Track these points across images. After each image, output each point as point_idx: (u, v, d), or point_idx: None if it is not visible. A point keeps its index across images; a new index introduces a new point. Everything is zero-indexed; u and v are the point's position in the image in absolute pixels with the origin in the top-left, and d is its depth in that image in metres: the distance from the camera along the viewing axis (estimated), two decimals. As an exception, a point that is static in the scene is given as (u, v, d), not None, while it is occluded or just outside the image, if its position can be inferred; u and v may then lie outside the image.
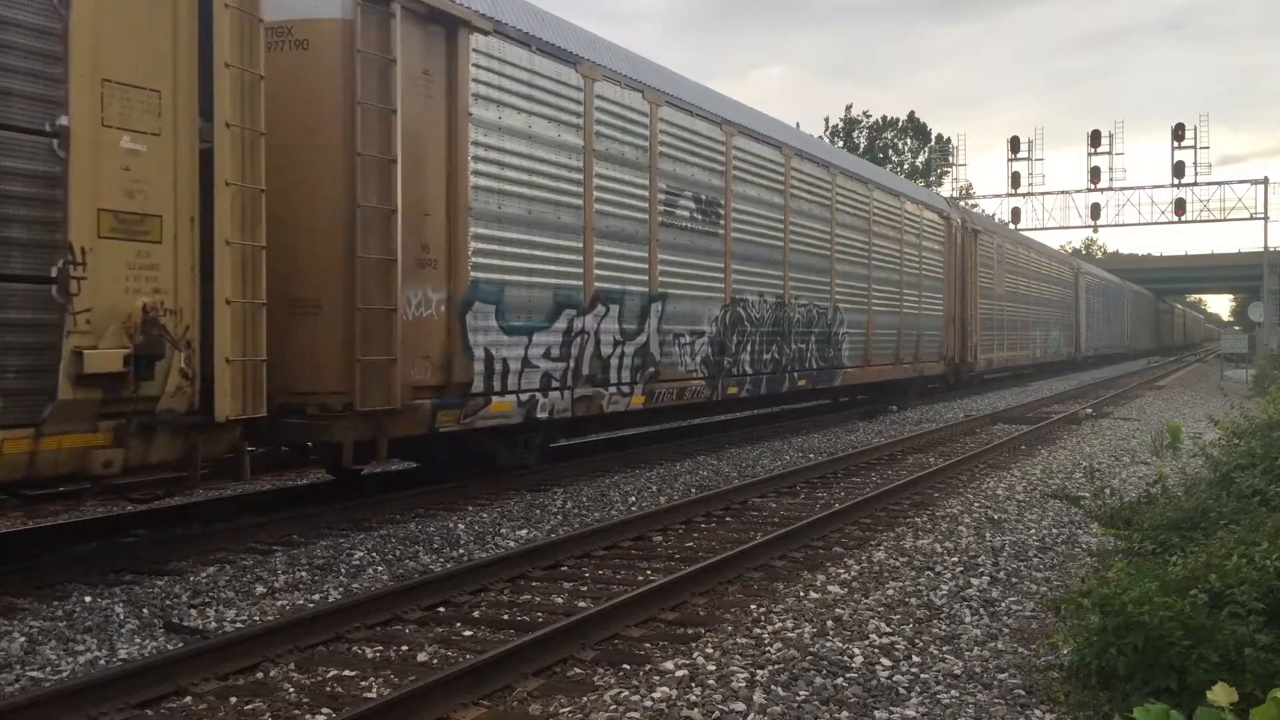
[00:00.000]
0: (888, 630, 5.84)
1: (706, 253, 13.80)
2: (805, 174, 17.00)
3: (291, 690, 5.08)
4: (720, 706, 4.67)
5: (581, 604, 6.58)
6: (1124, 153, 61.96)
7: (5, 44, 5.97)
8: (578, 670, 5.37)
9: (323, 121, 8.63)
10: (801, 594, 6.68)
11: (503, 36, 10.06)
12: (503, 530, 8.92)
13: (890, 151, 64.43)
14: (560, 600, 6.75)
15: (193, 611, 6.39)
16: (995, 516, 9.46)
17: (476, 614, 6.42)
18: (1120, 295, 57.47)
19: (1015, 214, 51.70)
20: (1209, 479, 8.31)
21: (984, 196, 58.69)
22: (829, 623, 5.97)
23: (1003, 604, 6.47)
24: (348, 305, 8.58)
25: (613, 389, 11.79)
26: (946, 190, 59.85)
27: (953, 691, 4.90)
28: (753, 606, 6.43)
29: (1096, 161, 50.70)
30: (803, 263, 16.71)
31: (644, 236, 12.43)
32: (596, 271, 11.49)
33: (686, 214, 13.33)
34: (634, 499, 10.57)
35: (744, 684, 4.93)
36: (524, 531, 8.87)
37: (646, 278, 12.45)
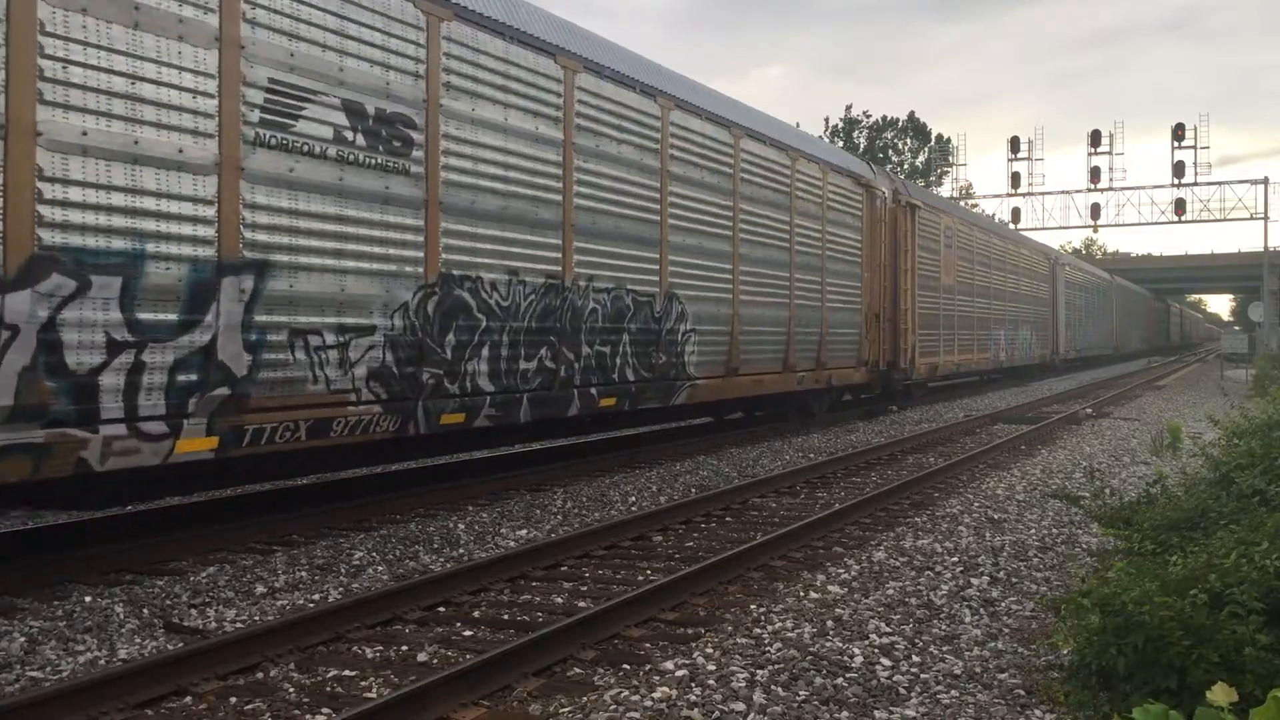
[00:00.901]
0: (888, 630, 5.84)
1: (372, 199, 8.43)
2: (607, 100, 11.53)
3: (291, 690, 5.08)
4: (720, 706, 4.67)
5: (581, 604, 6.58)
6: (1124, 153, 62.12)
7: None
8: (578, 670, 5.37)
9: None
10: (801, 594, 6.68)
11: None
12: (503, 530, 8.92)
13: (890, 151, 64.45)
14: (560, 600, 6.75)
15: (193, 611, 6.39)
16: (995, 516, 9.46)
17: (476, 614, 6.42)
18: (1107, 291, 52.34)
19: (1015, 214, 51.76)
20: (1209, 479, 8.30)
21: (984, 196, 58.82)
22: (829, 623, 5.97)
23: (1003, 604, 6.47)
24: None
25: (109, 428, 6.53)
26: (947, 190, 59.97)
27: (953, 691, 4.90)
28: (753, 606, 6.43)
29: (1096, 161, 50.81)
30: (603, 229, 11.40)
31: (208, 163, 7.17)
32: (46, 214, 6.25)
33: (335, 134, 8.12)
34: (634, 499, 10.57)
35: (744, 684, 4.93)
36: (524, 531, 8.87)
37: (213, 234, 7.19)
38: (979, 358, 27.40)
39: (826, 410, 18.86)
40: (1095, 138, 50.72)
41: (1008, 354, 30.59)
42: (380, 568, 7.56)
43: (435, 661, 5.51)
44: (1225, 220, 50.78)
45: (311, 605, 6.51)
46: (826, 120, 68.15)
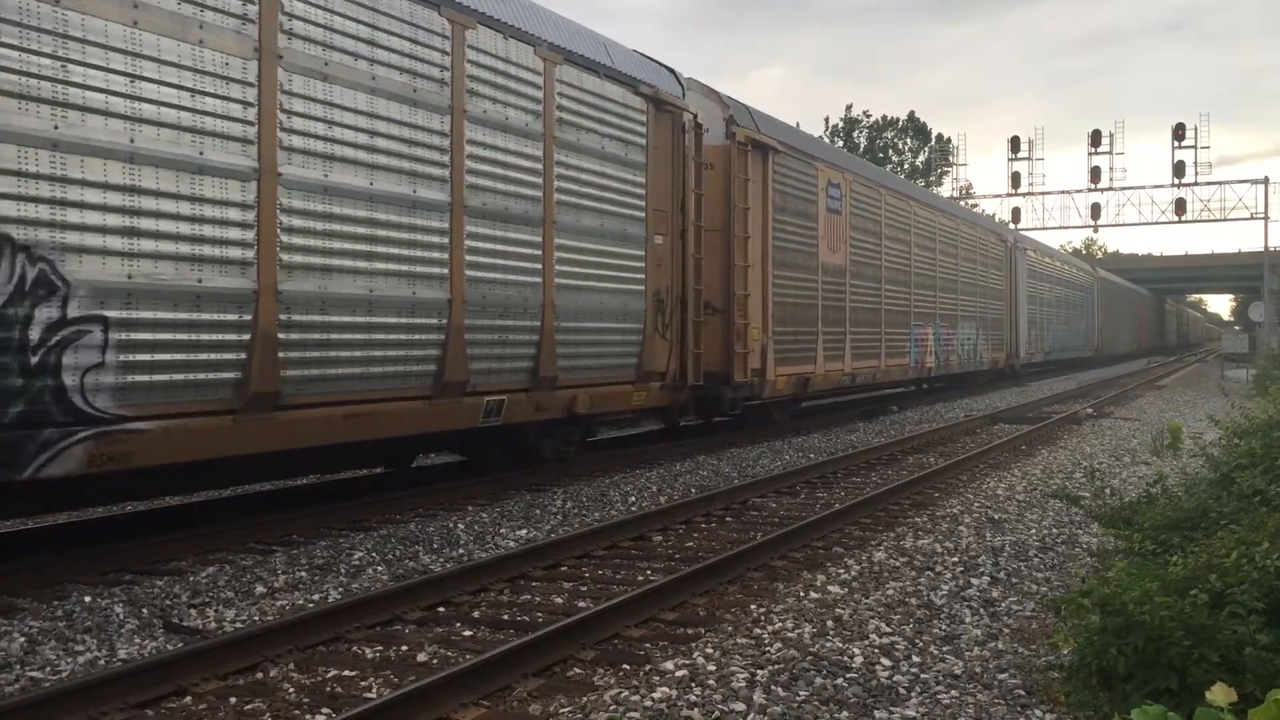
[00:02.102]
0: (888, 630, 5.83)
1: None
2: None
3: (291, 690, 5.07)
4: (720, 706, 4.67)
5: (581, 604, 6.57)
6: (1124, 153, 62.01)
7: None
8: (578, 670, 5.36)
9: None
10: (801, 594, 6.68)
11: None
12: (503, 530, 8.92)
13: (890, 151, 64.46)
14: (560, 600, 6.74)
15: (192, 611, 6.39)
16: (995, 516, 9.45)
17: (476, 614, 6.42)
18: (1086, 285, 46.16)
19: (1015, 214, 51.78)
20: (1209, 479, 8.30)
21: (984, 196, 58.82)
22: (829, 623, 5.97)
23: (1003, 604, 6.47)
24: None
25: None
26: (947, 190, 59.95)
27: (953, 691, 4.90)
28: (753, 607, 6.43)
29: (1097, 161, 50.85)
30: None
31: None
32: None
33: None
34: (634, 499, 10.57)
35: (744, 684, 4.93)
36: (524, 531, 8.86)
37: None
38: (892, 365, 20.89)
39: (573, 450, 11.99)
40: (1095, 138, 50.75)
41: (940, 358, 24.07)
42: (380, 568, 7.56)
43: (435, 661, 5.51)
44: (1225, 220, 50.83)
45: (311, 605, 6.50)
46: (826, 120, 68.23)
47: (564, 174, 11.04)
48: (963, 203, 50.67)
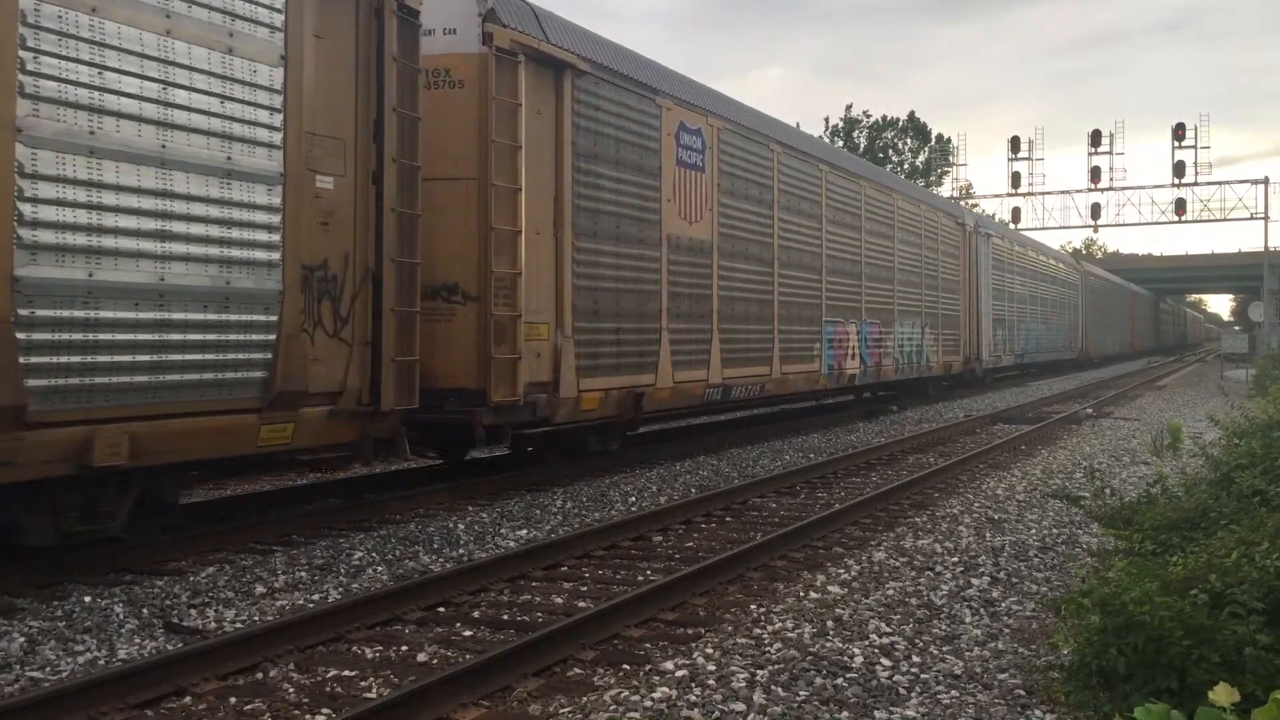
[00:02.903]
0: (888, 630, 5.83)
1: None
2: None
3: (291, 690, 5.07)
4: (720, 706, 4.67)
5: (581, 604, 6.57)
6: (1124, 153, 61.76)
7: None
8: (578, 670, 5.36)
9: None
10: (801, 594, 6.67)
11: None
12: (503, 530, 8.92)
13: (890, 151, 64.45)
14: (560, 600, 6.74)
15: (192, 611, 6.39)
16: (995, 516, 9.45)
17: (476, 614, 6.42)
18: (1070, 280, 42.30)
19: (1015, 214, 51.73)
20: (1209, 479, 8.30)
21: (984, 196, 58.78)
22: (829, 623, 5.97)
23: (1003, 604, 6.47)
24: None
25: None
26: (946, 190, 59.94)
27: (953, 692, 4.90)
28: (753, 607, 6.43)
29: (1097, 161, 50.74)
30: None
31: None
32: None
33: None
34: (634, 499, 10.57)
35: (744, 684, 4.93)
36: (524, 531, 8.86)
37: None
38: (793, 371, 16.05)
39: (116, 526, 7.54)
40: (1095, 138, 50.69)
41: (868, 363, 19.35)
42: (380, 568, 7.56)
43: (435, 661, 5.51)
44: (1225, 220, 50.79)
45: (311, 605, 6.50)
46: (826, 120, 68.16)
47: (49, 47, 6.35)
48: (963, 203, 50.52)
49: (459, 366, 9.92)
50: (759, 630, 5.85)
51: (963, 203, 50.46)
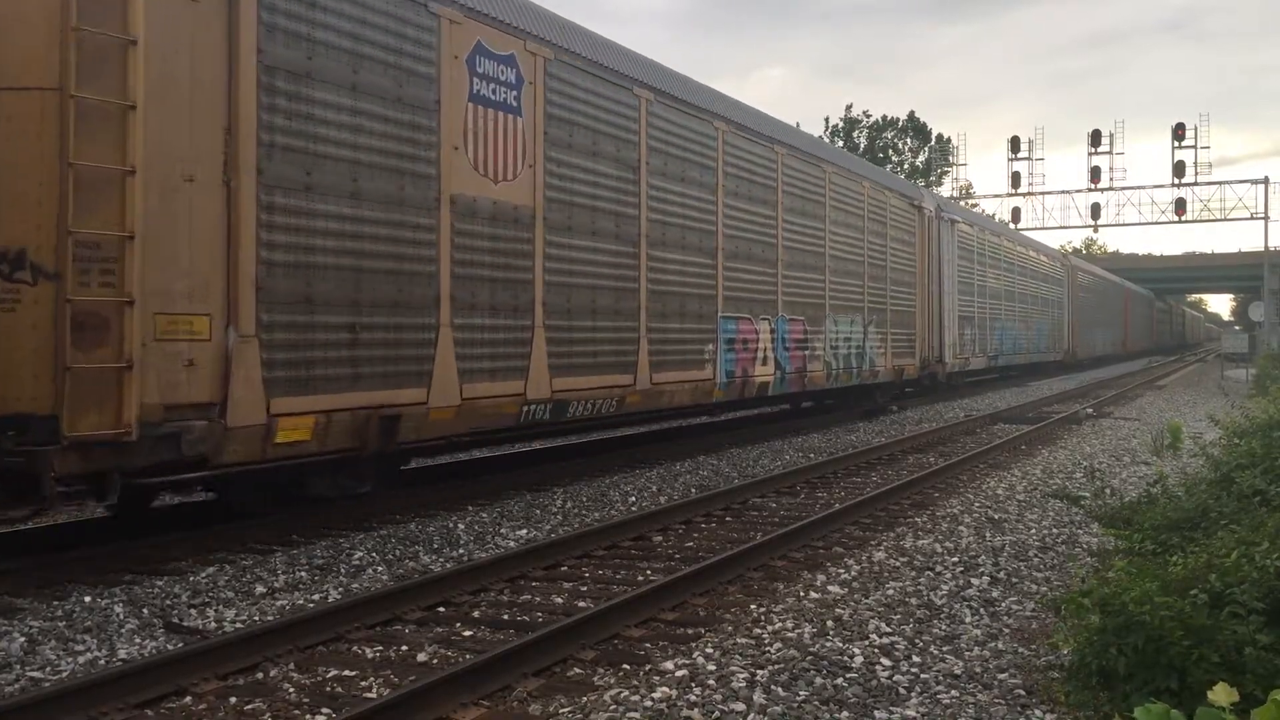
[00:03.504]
0: (888, 630, 5.83)
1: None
2: None
3: (291, 690, 5.07)
4: (720, 706, 4.67)
5: (581, 604, 6.57)
6: (1124, 153, 61.90)
7: None
8: (578, 670, 5.37)
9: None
10: (801, 594, 6.68)
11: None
12: (503, 530, 8.92)
13: (890, 151, 64.45)
14: (560, 600, 6.74)
15: (192, 611, 6.39)
16: (995, 516, 9.45)
17: (476, 614, 6.42)
18: (1056, 275, 38.63)
19: (1015, 214, 51.75)
20: (1209, 479, 8.30)
21: (984, 196, 58.80)
22: (829, 623, 5.97)
23: (1003, 604, 6.47)
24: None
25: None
26: (947, 190, 59.94)
27: (953, 691, 4.90)
28: (753, 606, 6.43)
29: (1097, 161, 50.80)
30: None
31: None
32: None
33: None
34: (634, 499, 10.57)
35: (744, 684, 4.93)
36: (524, 531, 8.87)
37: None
38: (670, 380, 12.56)
39: None
40: (1095, 138, 50.72)
41: (786, 367, 15.71)
42: (380, 568, 7.56)
43: (435, 661, 5.51)
44: (1225, 220, 50.81)
45: (311, 605, 6.51)
46: (826, 120, 68.21)
47: None
48: (963, 203, 50.48)
49: (23, 382, 6.42)
50: (759, 630, 5.85)
51: (963, 203, 50.41)
